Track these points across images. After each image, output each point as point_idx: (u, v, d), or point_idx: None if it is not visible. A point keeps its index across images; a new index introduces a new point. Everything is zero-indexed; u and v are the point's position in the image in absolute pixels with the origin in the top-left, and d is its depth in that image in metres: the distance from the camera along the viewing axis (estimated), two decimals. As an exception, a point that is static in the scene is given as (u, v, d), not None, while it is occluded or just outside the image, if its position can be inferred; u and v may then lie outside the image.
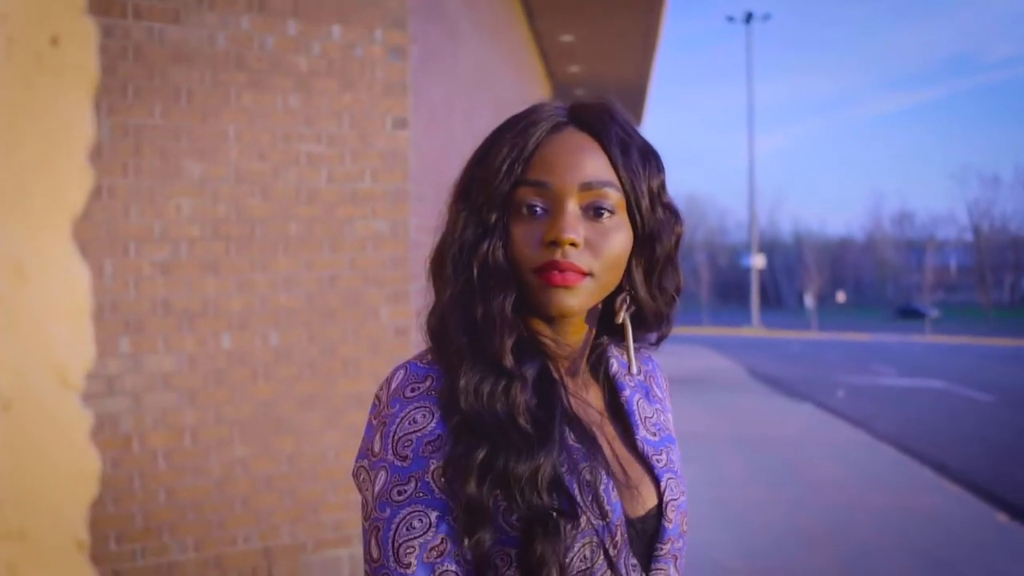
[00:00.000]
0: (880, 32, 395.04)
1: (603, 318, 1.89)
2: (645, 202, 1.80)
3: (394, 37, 6.78)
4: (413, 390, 1.73)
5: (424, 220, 7.18)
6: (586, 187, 1.73)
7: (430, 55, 7.85)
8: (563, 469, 1.65)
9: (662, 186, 1.85)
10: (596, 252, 1.72)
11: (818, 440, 15.88)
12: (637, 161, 1.80)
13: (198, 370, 6.12)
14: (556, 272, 1.69)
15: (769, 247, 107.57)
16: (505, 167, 1.75)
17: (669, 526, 1.79)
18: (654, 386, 2.02)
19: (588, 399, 1.86)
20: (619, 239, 1.76)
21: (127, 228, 5.88)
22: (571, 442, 1.71)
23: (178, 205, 6.03)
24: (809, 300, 79.41)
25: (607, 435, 1.83)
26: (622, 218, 1.77)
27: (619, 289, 1.83)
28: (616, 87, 22.07)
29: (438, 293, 1.80)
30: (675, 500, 1.82)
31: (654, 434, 1.90)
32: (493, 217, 1.75)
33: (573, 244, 1.69)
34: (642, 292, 1.83)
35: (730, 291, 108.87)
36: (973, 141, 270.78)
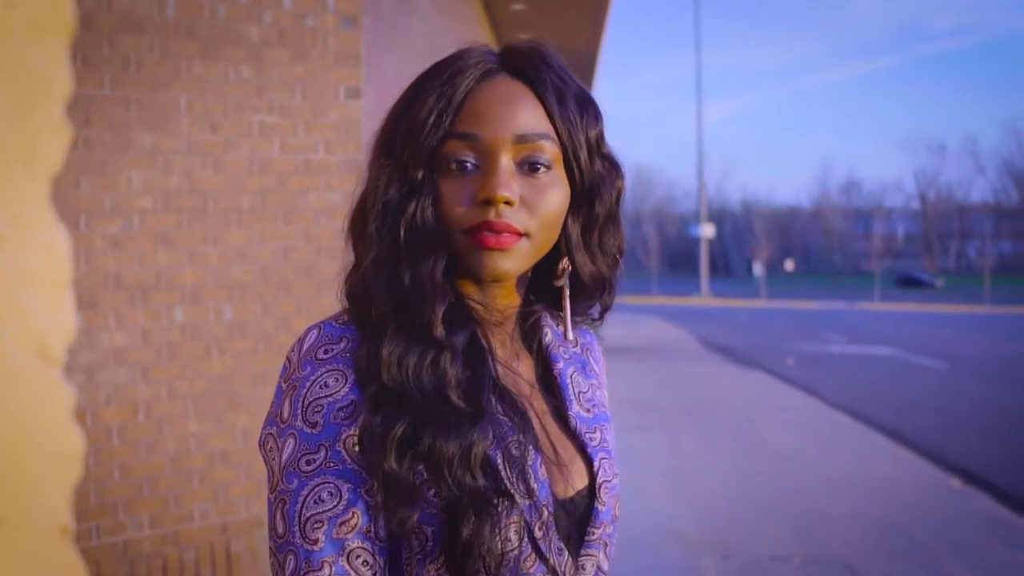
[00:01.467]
0: (830, 1, 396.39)
1: (537, 282, 1.79)
2: (583, 155, 1.69)
3: (346, 6, 6.67)
4: (326, 352, 1.61)
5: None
6: (521, 140, 1.62)
7: (383, 24, 7.76)
8: (490, 445, 1.55)
9: (600, 137, 1.73)
10: (532, 210, 1.62)
11: (771, 408, 15.95)
12: (574, 110, 1.68)
13: (151, 345, 6.03)
14: (490, 233, 1.58)
15: (718, 216, 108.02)
16: (432, 119, 1.63)
17: (602, 508, 1.68)
18: (591, 360, 1.89)
19: (518, 370, 1.75)
20: (556, 196, 1.65)
21: (78, 201, 5.78)
22: (499, 415, 1.60)
23: (129, 177, 5.93)
24: (758, 269, 79.75)
25: (537, 410, 1.71)
26: (559, 173, 1.67)
27: (555, 250, 1.72)
28: (567, 56, 21.92)
29: (359, 255, 1.68)
30: (608, 481, 1.71)
31: (588, 410, 1.78)
32: (420, 173, 1.63)
33: (508, 202, 1.59)
34: (580, 253, 1.72)
35: (679, 260, 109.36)
36: (921, 110, 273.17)
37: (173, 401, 6.10)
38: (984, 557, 7.90)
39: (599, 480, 1.69)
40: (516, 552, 1.53)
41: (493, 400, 1.61)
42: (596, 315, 1.86)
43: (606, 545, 1.70)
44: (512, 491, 1.53)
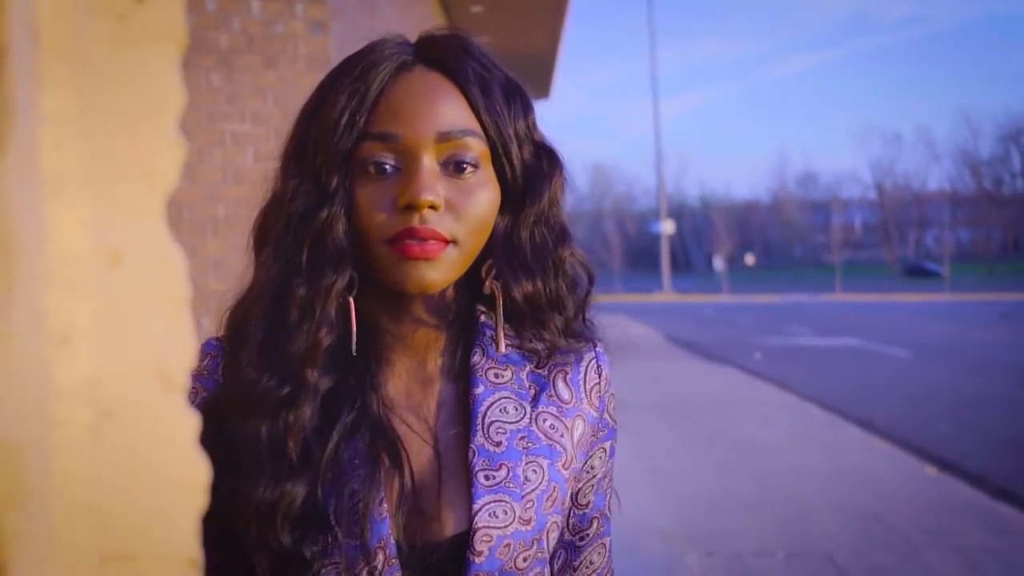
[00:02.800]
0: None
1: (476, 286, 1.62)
2: (514, 149, 1.56)
3: (315, 11, 6.65)
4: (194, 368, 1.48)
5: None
6: (444, 138, 1.49)
7: (350, 29, 7.73)
8: (325, 490, 1.46)
9: (532, 127, 1.61)
10: (459, 215, 1.48)
11: (742, 403, 15.95)
12: (500, 101, 1.55)
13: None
14: (414, 241, 1.45)
15: (677, 212, 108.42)
16: (344, 119, 1.49)
17: (477, 560, 1.47)
18: (557, 384, 1.65)
19: (431, 396, 1.60)
20: (485, 197, 1.52)
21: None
22: (349, 457, 1.49)
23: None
24: (719, 263, 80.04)
25: (441, 442, 1.57)
26: (487, 171, 1.54)
27: (485, 255, 1.58)
28: (525, 57, 21.98)
29: (255, 275, 1.55)
30: (494, 529, 1.49)
31: (498, 444, 1.55)
32: (333, 180, 1.49)
33: (432, 207, 1.45)
34: (509, 265, 1.57)
35: (641, 258, 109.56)
36: (874, 101, 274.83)
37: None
38: (964, 543, 7.92)
39: (476, 525, 1.48)
40: None
41: (355, 441, 1.51)
42: (557, 331, 1.63)
43: None
44: (338, 531, 1.45)
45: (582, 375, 1.67)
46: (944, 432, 13.05)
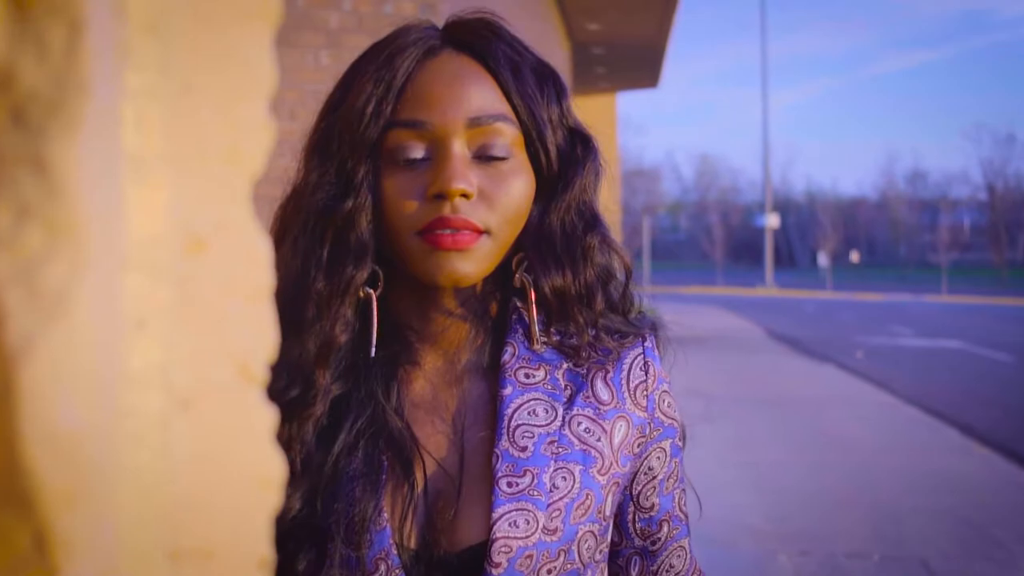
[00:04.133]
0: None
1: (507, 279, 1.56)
2: (548, 134, 1.51)
3: (425, -8, 6.64)
4: None
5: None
6: (474, 123, 1.44)
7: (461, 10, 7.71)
8: (324, 499, 1.42)
9: (566, 112, 1.55)
10: (492, 203, 1.44)
11: (841, 401, 15.77)
12: (533, 85, 1.51)
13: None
14: (446, 232, 1.40)
15: (782, 206, 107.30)
16: (370, 107, 1.45)
17: (494, 572, 1.39)
18: (596, 383, 1.56)
19: (454, 397, 1.54)
20: (519, 185, 1.47)
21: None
22: (354, 465, 1.44)
23: (209, 167, 5.93)
24: (823, 259, 79.10)
25: (467, 445, 1.50)
26: (521, 158, 1.49)
27: (517, 246, 1.52)
28: (635, 45, 21.88)
29: (276, 272, 1.47)
30: (515, 539, 1.41)
31: (524, 448, 1.46)
32: (360, 171, 1.45)
33: (464, 195, 1.41)
34: (539, 256, 1.51)
35: (743, 251, 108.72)
36: (986, 100, 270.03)
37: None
38: (1064, 555, 7.78)
39: (495, 534, 1.41)
40: None
41: (365, 448, 1.46)
42: (588, 328, 1.55)
43: None
44: (337, 541, 1.40)
45: (625, 373, 1.57)
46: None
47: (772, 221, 78.34)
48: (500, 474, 1.44)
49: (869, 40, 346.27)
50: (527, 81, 1.49)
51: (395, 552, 1.40)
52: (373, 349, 1.45)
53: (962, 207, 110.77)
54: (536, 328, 1.51)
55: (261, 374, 0.58)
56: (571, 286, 1.50)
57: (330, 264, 1.44)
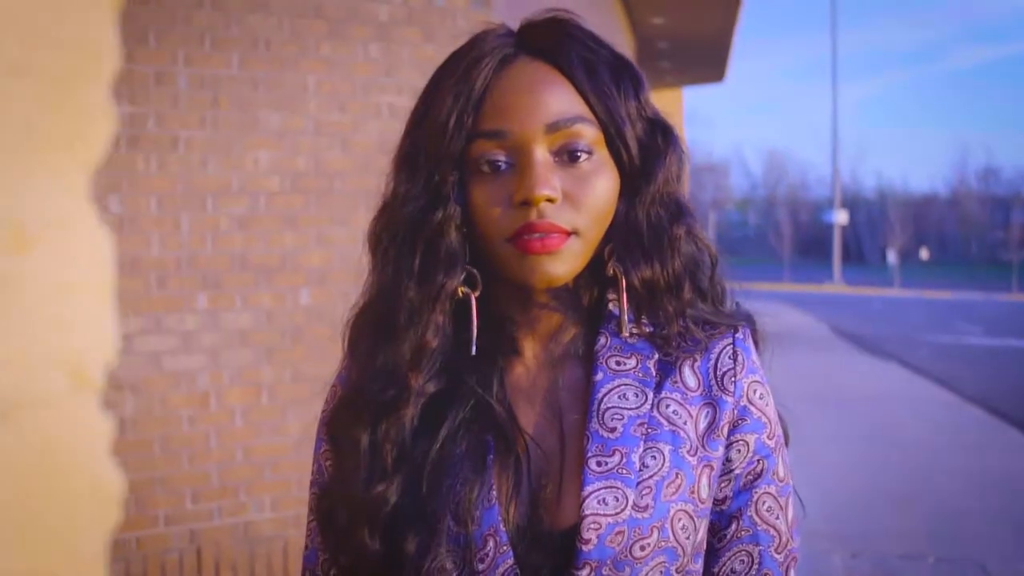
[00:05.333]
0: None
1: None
2: (628, 130, 1.54)
3: (478, -16, 6.58)
4: (326, 404, 1.73)
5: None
6: (553, 128, 1.48)
7: (514, 4, 7.66)
8: (429, 487, 1.50)
9: (645, 104, 1.58)
10: (578, 204, 1.48)
11: (904, 399, 15.60)
12: (608, 81, 1.53)
13: (275, 327, 6.01)
14: (534, 237, 1.45)
15: (851, 202, 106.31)
16: (452, 120, 1.50)
17: (586, 548, 1.44)
18: (684, 370, 1.58)
19: (553, 383, 1.59)
20: (603, 184, 1.51)
21: (204, 181, 5.77)
22: (458, 453, 1.52)
23: (256, 158, 5.91)
24: (892, 256, 78.38)
25: (565, 428, 1.56)
26: (603, 156, 1.53)
27: (607, 237, 1.56)
28: (701, 39, 21.75)
29: (370, 279, 1.61)
30: (604, 516, 1.45)
31: (612, 430, 1.50)
32: (447, 183, 1.51)
33: (549, 200, 1.45)
34: (627, 249, 1.55)
35: (811, 247, 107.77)
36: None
37: (297, 384, 6.08)
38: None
39: (584, 512, 1.46)
40: None
41: (468, 437, 1.54)
42: (679, 317, 1.58)
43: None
44: (449, 524, 1.48)
45: (713, 361, 1.58)
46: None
47: (841, 217, 77.78)
48: (590, 454, 1.49)
49: (942, 33, 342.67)
50: (602, 79, 1.52)
51: (503, 528, 1.47)
52: (474, 347, 1.53)
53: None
54: (626, 318, 1.54)
55: (99, 380, 0.54)
56: (659, 277, 1.54)
57: (421, 273, 1.52)
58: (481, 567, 1.45)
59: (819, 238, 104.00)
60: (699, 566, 1.54)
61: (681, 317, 1.56)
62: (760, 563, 1.58)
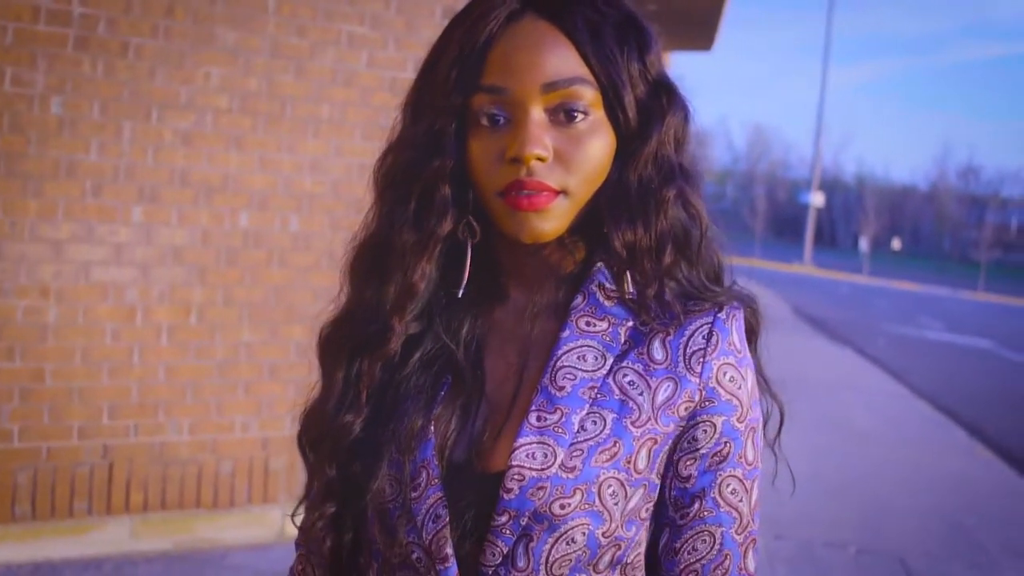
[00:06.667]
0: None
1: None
2: (628, 94, 1.53)
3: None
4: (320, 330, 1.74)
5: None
6: (549, 88, 1.48)
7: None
8: (383, 417, 1.58)
9: (651, 65, 1.56)
10: (568, 164, 1.49)
11: (854, 387, 15.65)
12: (612, 44, 1.52)
13: (211, 247, 5.90)
14: (523, 194, 1.47)
15: (830, 186, 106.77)
16: (455, 73, 1.51)
17: (507, 496, 1.47)
18: (653, 343, 1.55)
19: (529, 332, 1.59)
20: (596, 145, 1.51)
21: (151, 92, 5.64)
22: (416, 387, 1.58)
23: (207, 73, 5.77)
24: (864, 244, 78.80)
25: (524, 377, 1.57)
26: (599, 118, 1.52)
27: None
28: (691, 4, 21.58)
29: (371, 217, 1.63)
30: (528, 469, 1.47)
31: (561, 388, 1.52)
32: (447, 132, 1.53)
33: (539, 159, 1.46)
34: (615, 211, 1.54)
35: (785, 226, 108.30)
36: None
37: (228, 308, 5.98)
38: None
39: (511, 462, 1.47)
40: (389, 504, 1.54)
41: (428, 374, 1.59)
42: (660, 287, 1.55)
43: (530, 540, 1.49)
44: (391, 445, 1.55)
45: (685, 338, 1.55)
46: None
47: (817, 199, 78.06)
48: (533, 407, 1.51)
49: (943, 27, 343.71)
50: (606, 40, 1.53)
51: (435, 462, 1.52)
52: (461, 291, 1.58)
53: (1012, 207, 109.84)
54: (628, 278, 1.56)
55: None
56: (642, 239, 1.53)
57: (415, 218, 1.55)
58: (413, 495, 1.52)
59: (794, 218, 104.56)
60: (632, 533, 1.53)
61: (658, 281, 1.55)
62: (721, 544, 1.57)
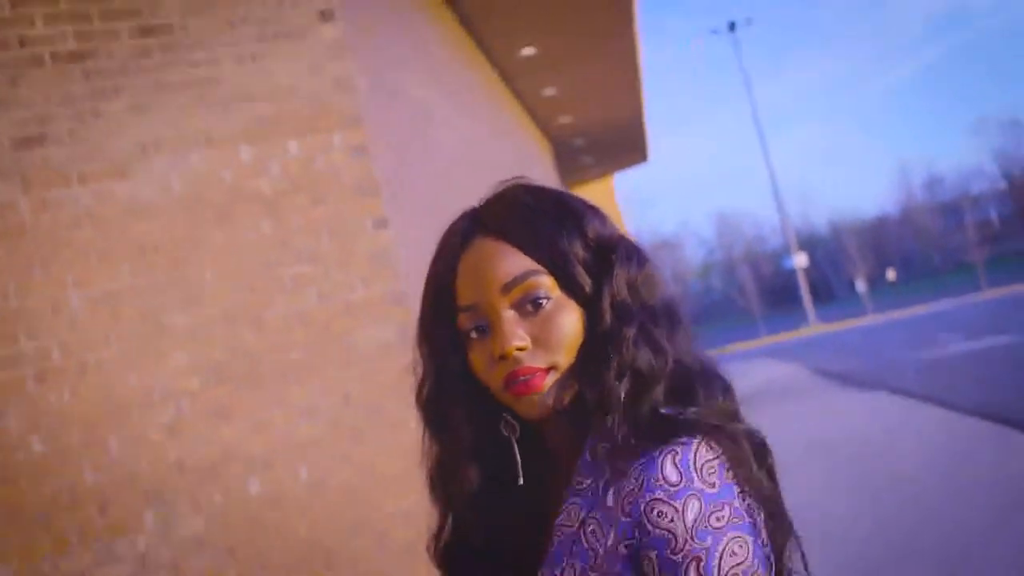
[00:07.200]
0: (865, 9, 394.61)
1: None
2: (576, 267, 1.73)
3: (353, 136, 6.53)
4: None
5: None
6: (508, 288, 1.71)
7: (399, 145, 7.63)
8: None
9: (589, 234, 1.77)
10: (547, 343, 1.69)
11: (897, 430, 15.18)
12: (551, 231, 1.74)
13: (231, 524, 5.88)
14: (519, 382, 1.68)
15: (808, 243, 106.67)
16: (436, 307, 1.80)
17: None
18: (609, 490, 1.65)
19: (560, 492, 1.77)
20: (566, 319, 1.71)
21: (124, 396, 5.68)
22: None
23: (170, 360, 5.82)
24: (860, 285, 78.60)
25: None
26: (560, 296, 1.73)
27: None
28: (612, 128, 21.89)
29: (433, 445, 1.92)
30: None
31: (553, 545, 1.72)
32: (449, 359, 1.79)
33: (520, 349, 1.68)
34: (586, 365, 1.71)
35: (780, 296, 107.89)
36: (983, 92, 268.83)
37: (266, 573, 5.93)
38: None
39: None
40: None
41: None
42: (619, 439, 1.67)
43: None
44: None
45: (624, 482, 1.62)
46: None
47: (800, 260, 77.97)
48: (547, 562, 1.72)
49: (857, 59, 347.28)
50: (543, 232, 1.75)
51: None
52: (520, 479, 1.79)
53: (985, 201, 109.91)
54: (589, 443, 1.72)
55: None
56: (607, 386, 1.68)
57: (451, 438, 1.85)
58: None
59: (786, 286, 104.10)
60: None
61: (625, 424, 1.66)
62: None
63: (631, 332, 1.70)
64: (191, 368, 5.86)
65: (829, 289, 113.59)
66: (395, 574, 6.27)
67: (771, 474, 1.78)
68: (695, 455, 1.60)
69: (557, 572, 1.67)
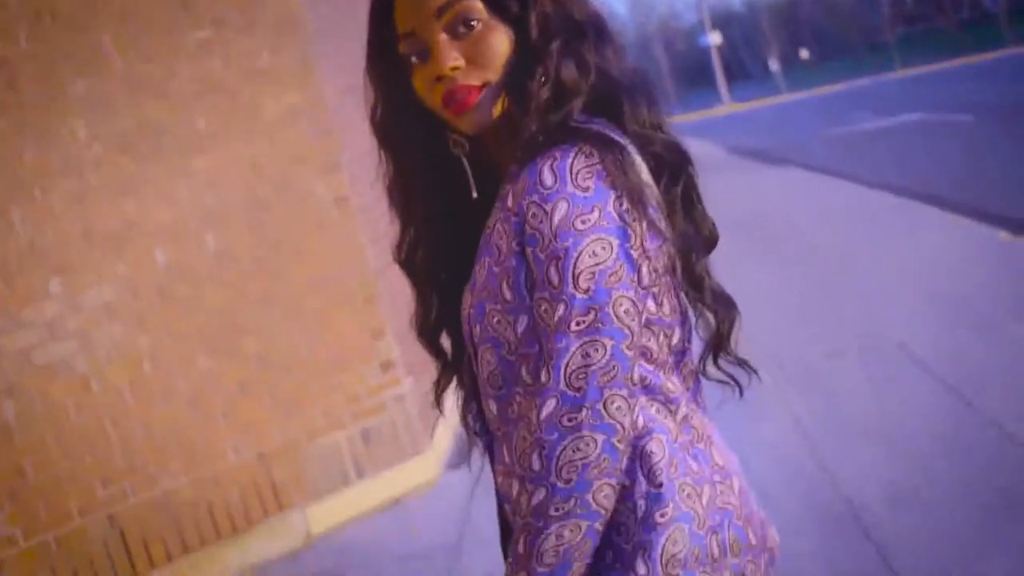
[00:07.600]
0: None
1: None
2: None
3: None
4: None
5: (348, 79, 6.54)
6: (440, 12, 1.76)
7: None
8: None
9: None
10: (479, 61, 1.77)
11: (809, 203, 15.51)
12: None
13: (139, 292, 5.84)
14: (455, 99, 1.77)
15: (724, 21, 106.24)
16: (378, 37, 1.88)
17: (463, 323, 1.89)
18: (509, 194, 1.76)
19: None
20: (496, 39, 1.78)
21: (23, 170, 5.57)
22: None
23: (72, 130, 5.68)
24: (774, 64, 78.80)
25: None
26: (488, 19, 1.78)
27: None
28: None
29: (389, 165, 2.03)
30: (466, 306, 1.87)
31: (479, 247, 1.85)
32: (398, 86, 1.88)
33: (455, 69, 1.75)
34: (515, 80, 1.78)
35: (695, 75, 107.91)
36: None
37: (176, 343, 5.92)
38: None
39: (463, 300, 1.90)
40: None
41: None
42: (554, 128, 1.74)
43: (473, 358, 1.90)
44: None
45: (517, 185, 1.74)
46: (1015, 193, 12.51)
47: (715, 38, 77.88)
48: (475, 264, 1.85)
49: None
50: None
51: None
52: (474, 192, 1.91)
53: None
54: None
55: None
56: (530, 92, 1.76)
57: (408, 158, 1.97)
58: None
59: (700, 64, 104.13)
60: (536, 350, 1.74)
61: (531, 132, 1.74)
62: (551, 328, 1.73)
63: (555, 45, 1.77)
64: (92, 137, 5.73)
65: (743, 68, 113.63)
66: (305, 344, 6.27)
67: (688, 184, 1.92)
68: (573, 161, 1.66)
69: (477, 268, 1.82)
